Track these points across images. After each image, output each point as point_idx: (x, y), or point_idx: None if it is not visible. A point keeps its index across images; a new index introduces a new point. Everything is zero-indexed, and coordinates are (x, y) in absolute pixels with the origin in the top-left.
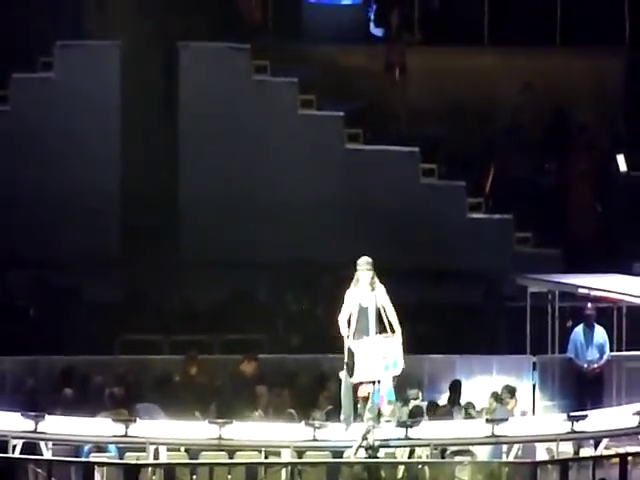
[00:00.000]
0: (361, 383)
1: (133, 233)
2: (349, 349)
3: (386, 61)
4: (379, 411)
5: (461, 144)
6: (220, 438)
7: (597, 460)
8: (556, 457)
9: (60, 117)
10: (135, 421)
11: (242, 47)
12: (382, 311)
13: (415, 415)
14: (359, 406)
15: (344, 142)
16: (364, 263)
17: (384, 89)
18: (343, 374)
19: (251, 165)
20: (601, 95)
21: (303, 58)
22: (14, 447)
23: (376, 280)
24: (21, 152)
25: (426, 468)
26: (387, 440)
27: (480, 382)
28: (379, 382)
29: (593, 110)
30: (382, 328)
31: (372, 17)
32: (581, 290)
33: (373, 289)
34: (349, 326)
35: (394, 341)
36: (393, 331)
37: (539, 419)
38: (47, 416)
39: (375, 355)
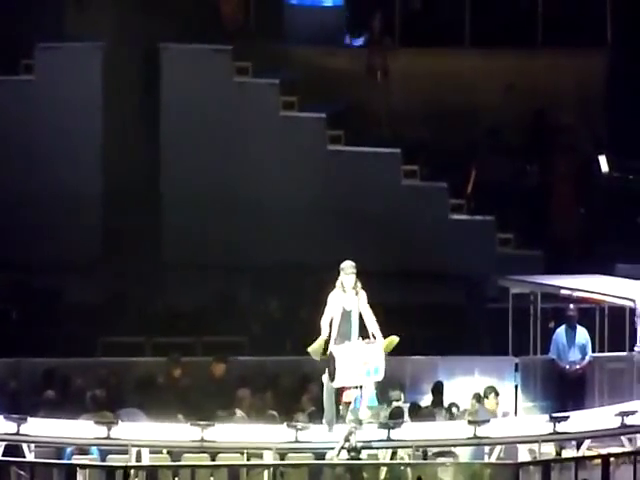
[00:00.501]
0: (344, 388)
1: (115, 235)
2: (331, 354)
3: (367, 64)
4: (360, 414)
5: (443, 146)
6: (202, 440)
7: (579, 461)
8: (538, 458)
9: (42, 119)
10: (117, 423)
11: (223, 48)
12: (363, 317)
13: (395, 416)
14: (341, 408)
15: (326, 144)
16: (348, 267)
17: (366, 91)
18: (325, 378)
19: (233, 167)
20: (583, 96)
21: (285, 60)
22: None
23: (359, 285)
24: (2, 154)
25: (408, 469)
26: (369, 442)
27: (462, 383)
28: (361, 387)
29: (575, 111)
30: (365, 333)
31: (347, 26)
32: (563, 291)
33: (357, 293)
34: (331, 329)
35: (376, 347)
36: (375, 337)
37: (521, 420)
38: (29, 418)
39: (356, 361)
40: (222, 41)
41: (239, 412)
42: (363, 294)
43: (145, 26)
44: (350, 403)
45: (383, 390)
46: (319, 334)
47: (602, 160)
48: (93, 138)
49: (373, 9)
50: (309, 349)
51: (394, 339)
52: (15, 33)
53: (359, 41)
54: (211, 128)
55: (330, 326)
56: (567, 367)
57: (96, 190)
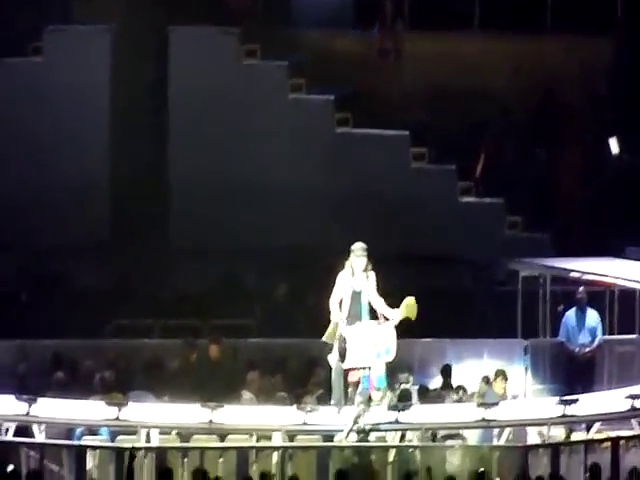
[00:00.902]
0: (352, 369)
1: (123, 219)
2: (341, 335)
3: (379, 47)
4: (369, 396)
5: (451, 128)
6: (211, 422)
7: (589, 444)
8: (547, 441)
9: (49, 102)
10: (127, 404)
11: (232, 31)
12: (370, 300)
13: (404, 399)
14: (349, 390)
15: (334, 126)
16: (359, 249)
17: (374, 73)
18: (332, 358)
19: (241, 149)
20: (591, 78)
21: (293, 42)
22: (7, 430)
23: (370, 267)
24: (9, 137)
25: (417, 452)
26: (378, 424)
27: (471, 366)
28: (369, 368)
29: (583, 93)
30: (375, 314)
31: (357, 15)
32: (573, 274)
33: (367, 275)
34: (340, 310)
35: (387, 328)
36: (386, 318)
37: (530, 403)
38: (39, 399)
39: (367, 342)
40: (230, 24)
41: (247, 394)
42: (372, 275)
43: (153, 9)
44: (357, 383)
45: (392, 373)
46: (327, 316)
47: (612, 141)
48: (101, 121)
49: None
50: (324, 338)
51: (410, 301)
52: (24, 15)
53: (374, 32)
54: (219, 111)
55: (340, 308)
56: (577, 350)
57: (104, 174)
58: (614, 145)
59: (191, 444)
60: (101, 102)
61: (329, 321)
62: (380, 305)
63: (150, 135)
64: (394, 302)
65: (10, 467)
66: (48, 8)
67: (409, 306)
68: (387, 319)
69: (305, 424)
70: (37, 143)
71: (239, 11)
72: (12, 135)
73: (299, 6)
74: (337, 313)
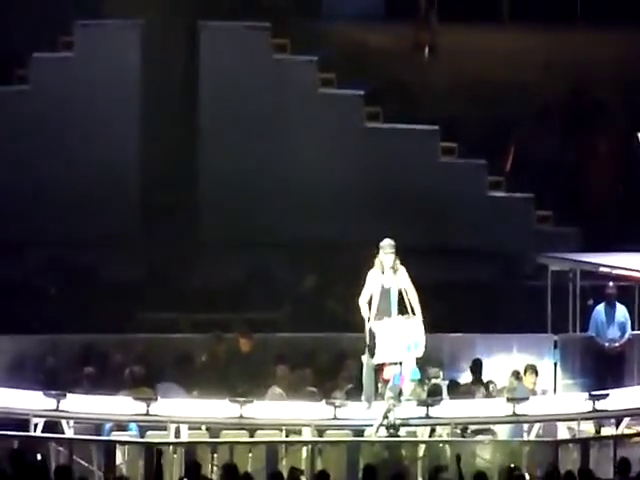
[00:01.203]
0: (384, 365)
1: (152, 212)
2: (370, 330)
3: (414, 41)
4: (400, 390)
5: (481, 122)
6: (241, 417)
7: (618, 439)
8: (577, 436)
9: (80, 97)
10: (156, 400)
11: (262, 26)
12: (404, 294)
13: (434, 394)
14: (380, 385)
15: (364, 121)
16: (387, 246)
17: (405, 67)
18: (365, 357)
19: (270, 144)
20: (622, 72)
21: (323, 37)
22: (35, 425)
23: (398, 262)
24: (41, 132)
25: (447, 447)
26: (408, 419)
27: (501, 361)
28: (401, 363)
29: (614, 87)
30: (403, 310)
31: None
32: (602, 269)
33: (395, 272)
34: (370, 308)
35: (415, 322)
36: (414, 313)
37: (560, 398)
38: (68, 395)
39: (396, 336)
40: (260, 18)
41: (277, 389)
42: (402, 270)
43: (183, 4)
44: (389, 380)
45: (422, 368)
46: (357, 311)
47: None
48: (132, 115)
49: None
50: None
51: None
52: (54, 10)
53: (406, 26)
54: (249, 105)
55: (369, 305)
56: (606, 345)
57: (134, 167)
58: None
59: (220, 439)
60: (131, 96)
61: (358, 315)
62: (413, 299)
63: (181, 129)
64: (423, 296)
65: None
66: (78, 2)
67: None
68: (414, 313)
69: (335, 419)
70: (67, 137)
71: (270, 5)
72: (42, 129)
73: (329, 0)
74: (366, 310)
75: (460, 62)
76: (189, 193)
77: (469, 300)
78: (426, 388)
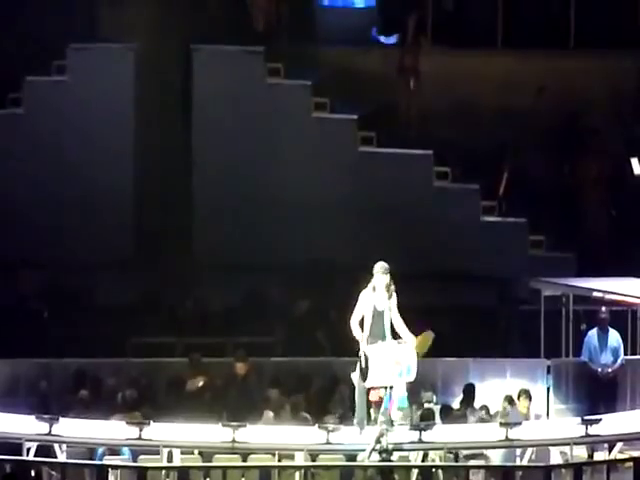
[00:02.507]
0: (373, 387)
1: (147, 235)
2: (363, 353)
3: (399, 65)
4: (390, 415)
5: (475, 147)
6: (234, 441)
7: (611, 464)
8: (570, 461)
9: (74, 120)
10: (149, 424)
11: (256, 50)
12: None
13: (426, 418)
14: (372, 410)
15: (358, 145)
16: (381, 268)
17: (397, 92)
18: (355, 377)
19: (265, 168)
20: (615, 98)
21: (317, 61)
22: (28, 450)
23: (392, 286)
24: (35, 155)
25: (440, 472)
26: (401, 443)
27: (494, 385)
28: (391, 387)
29: (607, 113)
30: (397, 334)
31: (380, 25)
32: (595, 294)
33: (390, 294)
34: (362, 329)
35: (408, 347)
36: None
37: (553, 423)
38: (61, 418)
39: (389, 361)
40: (254, 42)
41: (270, 413)
42: (394, 295)
43: (177, 27)
44: (378, 403)
45: (415, 391)
46: (350, 333)
47: (634, 162)
48: (125, 139)
49: (405, 10)
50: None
51: (429, 336)
52: (48, 34)
53: (391, 39)
54: (243, 129)
55: (361, 326)
56: (599, 370)
57: (128, 190)
58: (636, 165)
59: (213, 464)
60: (125, 120)
61: (352, 339)
62: (399, 325)
63: (174, 153)
64: (416, 320)
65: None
66: (72, 26)
67: (424, 340)
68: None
69: (327, 443)
70: (61, 160)
71: (263, 30)
72: (36, 153)
73: (323, 24)
74: (358, 332)
75: (455, 87)
76: (185, 215)
77: (462, 324)
78: (418, 413)
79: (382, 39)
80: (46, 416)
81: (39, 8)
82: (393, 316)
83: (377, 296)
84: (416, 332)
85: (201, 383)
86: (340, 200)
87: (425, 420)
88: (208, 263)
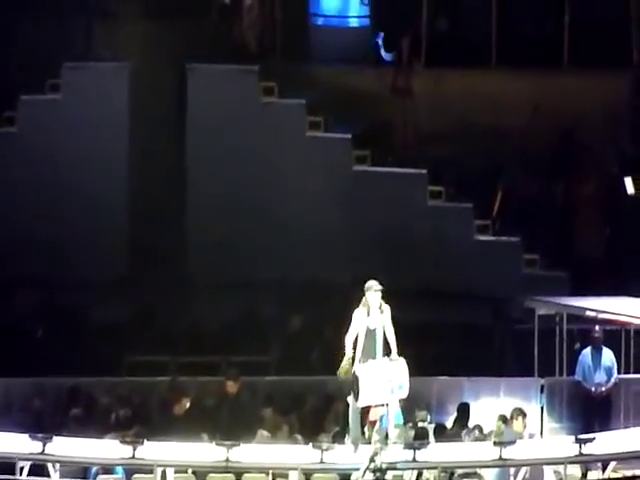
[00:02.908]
0: (370, 407)
1: (142, 253)
2: (354, 373)
3: (391, 86)
4: (387, 433)
5: (469, 166)
6: (227, 460)
7: None
8: None
9: (68, 139)
10: (142, 443)
11: (250, 69)
12: (385, 332)
13: (420, 437)
14: (366, 429)
15: (352, 164)
16: (373, 287)
17: (392, 111)
18: (351, 398)
19: (259, 186)
20: (609, 116)
21: (311, 80)
22: (22, 469)
23: (384, 303)
24: (29, 174)
25: None
26: (395, 462)
27: (488, 404)
28: (387, 405)
29: (601, 132)
30: (389, 351)
31: (381, 42)
32: (589, 312)
33: (382, 312)
34: (354, 347)
35: (399, 364)
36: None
37: (547, 442)
38: (55, 437)
39: (380, 378)
40: (248, 61)
41: (264, 432)
42: (387, 309)
43: (172, 47)
44: (376, 422)
45: (409, 410)
46: (343, 352)
47: (628, 181)
48: (120, 157)
49: (400, 29)
50: (338, 373)
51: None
52: (42, 52)
53: (390, 56)
54: (238, 148)
55: (354, 344)
56: (593, 389)
57: (122, 208)
58: (629, 184)
59: None
60: (120, 139)
61: (343, 357)
62: (391, 340)
63: (168, 172)
64: (410, 339)
65: None
66: (66, 45)
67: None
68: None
69: (321, 462)
70: (55, 179)
71: (257, 49)
72: (31, 170)
73: (317, 44)
74: (350, 349)
75: (448, 106)
76: (179, 234)
77: (457, 343)
78: (411, 432)
79: (384, 54)
80: (39, 435)
81: (33, 27)
82: (387, 332)
83: (370, 315)
84: (409, 351)
85: (187, 405)
86: (335, 218)
87: (419, 439)
88: (204, 282)
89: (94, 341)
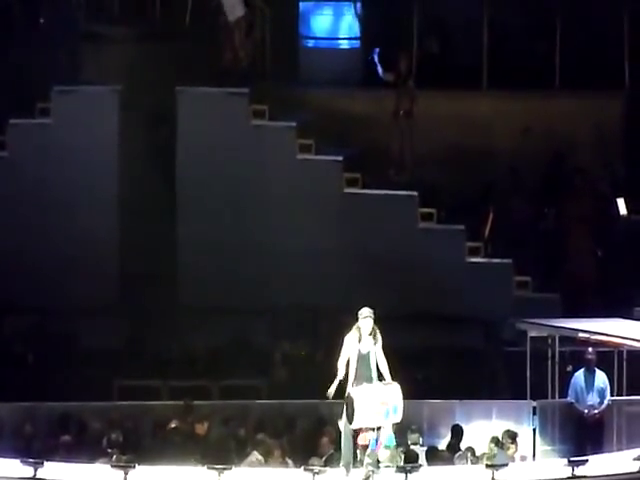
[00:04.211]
0: (361, 430)
1: (131, 279)
2: (349, 396)
3: (395, 108)
4: (377, 457)
5: (460, 188)
6: None
7: None
8: None
9: (58, 163)
10: (134, 467)
11: (240, 92)
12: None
13: (411, 459)
14: (358, 452)
15: (343, 187)
16: (366, 312)
17: (382, 133)
18: (342, 422)
19: (249, 210)
20: (600, 139)
21: (301, 102)
22: None
23: (377, 330)
24: (19, 198)
25: None
26: None
27: (480, 427)
28: (379, 429)
29: (593, 154)
30: (382, 377)
31: (377, 59)
32: (581, 334)
33: (375, 339)
34: (346, 372)
35: (394, 388)
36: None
37: (539, 464)
38: (46, 462)
39: (375, 402)
40: (239, 84)
41: (256, 455)
42: (380, 339)
43: (161, 69)
44: (366, 446)
45: (401, 433)
46: (335, 376)
47: (620, 202)
48: (109, 181)
49: (391, 52)
50: (327, 394)
51: None
52: (31, 76)
53: (391, 76)
54: (227, 171)
55: (346, 367)
56: (585, 411)
57: (112, 234)
58: (622, 206)
59: None
60: (109, 163)
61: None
62: (383, 366)
63: (158, 196)
64: (402, 362)
65: None
66: (55, 69)
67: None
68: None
69: None
70: (45, 204)
71: (248, 71)
72: (20, 195)
73: (307, 66)
74: (341, 373)
75: (439, 128)
76: (169, 259)
77: (448, 366)
78: (402, 455)
79: (380, 72)
80: (31, 460)
81: (22, 51)
82: (379, 359)
83: (362, 340)
84: (401, 375)
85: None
86: (325, 242)
87: (410, 461)
88: (192, 307)
89: (85, 366)
